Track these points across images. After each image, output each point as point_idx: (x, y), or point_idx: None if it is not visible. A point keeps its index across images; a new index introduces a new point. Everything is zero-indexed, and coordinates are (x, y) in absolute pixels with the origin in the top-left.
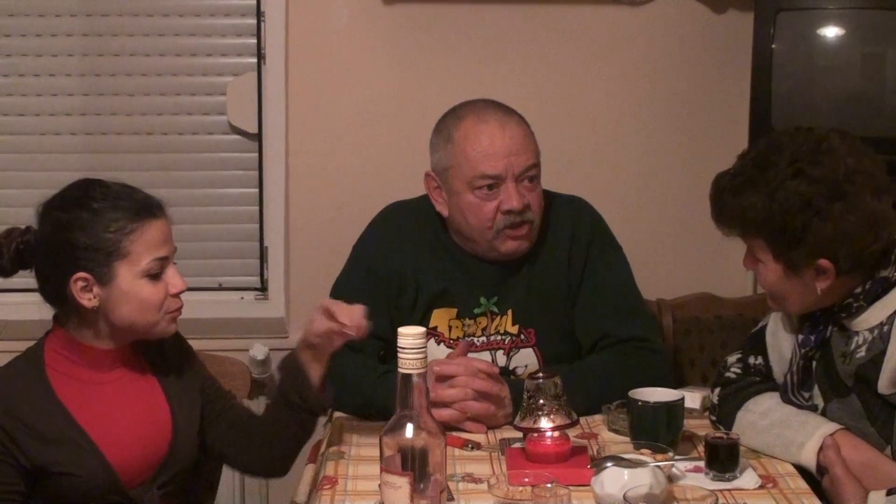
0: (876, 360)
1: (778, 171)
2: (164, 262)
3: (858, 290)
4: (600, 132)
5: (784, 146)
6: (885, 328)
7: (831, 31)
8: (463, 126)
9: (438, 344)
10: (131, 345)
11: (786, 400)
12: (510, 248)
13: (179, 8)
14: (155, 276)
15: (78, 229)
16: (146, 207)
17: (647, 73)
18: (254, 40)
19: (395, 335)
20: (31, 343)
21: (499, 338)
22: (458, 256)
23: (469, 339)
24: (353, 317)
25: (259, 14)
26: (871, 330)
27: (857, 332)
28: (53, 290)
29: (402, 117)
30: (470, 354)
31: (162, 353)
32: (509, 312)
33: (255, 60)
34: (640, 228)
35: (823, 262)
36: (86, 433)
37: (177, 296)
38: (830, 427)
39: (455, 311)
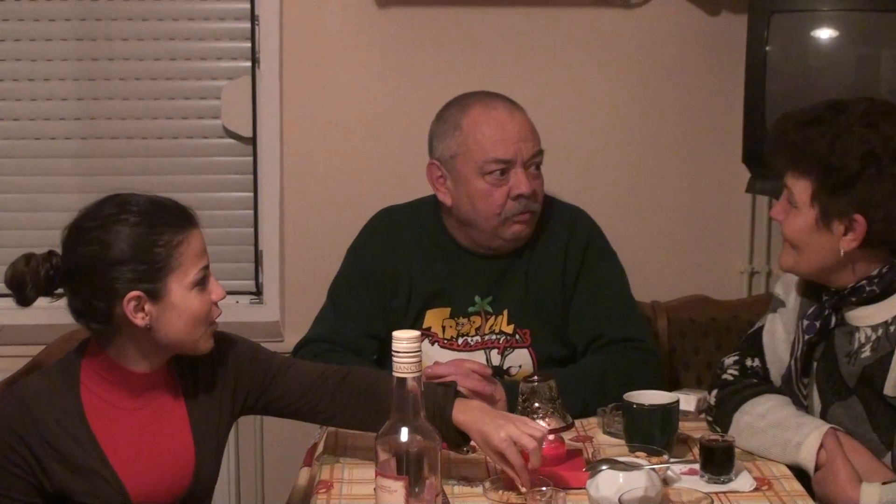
0: (883, 360)
1: (850, 116)
2: (207, 270)
3: (875, 272)
4: (594, 134)
5: (860, 100)
6: (892, 328)
7: (825, 34)
8: (471, 113)
9: (433, 344)
10: (168, 365)
11: (789, 392)
12: (515, 233)
13: (174, 12)
14: (202, 287)
15: (124, 247)
16: (186, 218)
17: (640, 76)
18: (248, 44)
19: (390, 336)
20: (31, 347)
21: (493, 337)
22: (454, 254)
23: (463, 339)
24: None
25: (253, 18)
26: (874, 328)
27: (858, 329)
28: (98, 312)
29: (396, 120)
30: (464, 354)
31: (194, 367)
32: (505, 312)
33: (249, 64)
34: (635, 230)
35: (859, 218)
36: (110, 465)
37: (216, 304)
38: (827, 427)
39: (449, 310)
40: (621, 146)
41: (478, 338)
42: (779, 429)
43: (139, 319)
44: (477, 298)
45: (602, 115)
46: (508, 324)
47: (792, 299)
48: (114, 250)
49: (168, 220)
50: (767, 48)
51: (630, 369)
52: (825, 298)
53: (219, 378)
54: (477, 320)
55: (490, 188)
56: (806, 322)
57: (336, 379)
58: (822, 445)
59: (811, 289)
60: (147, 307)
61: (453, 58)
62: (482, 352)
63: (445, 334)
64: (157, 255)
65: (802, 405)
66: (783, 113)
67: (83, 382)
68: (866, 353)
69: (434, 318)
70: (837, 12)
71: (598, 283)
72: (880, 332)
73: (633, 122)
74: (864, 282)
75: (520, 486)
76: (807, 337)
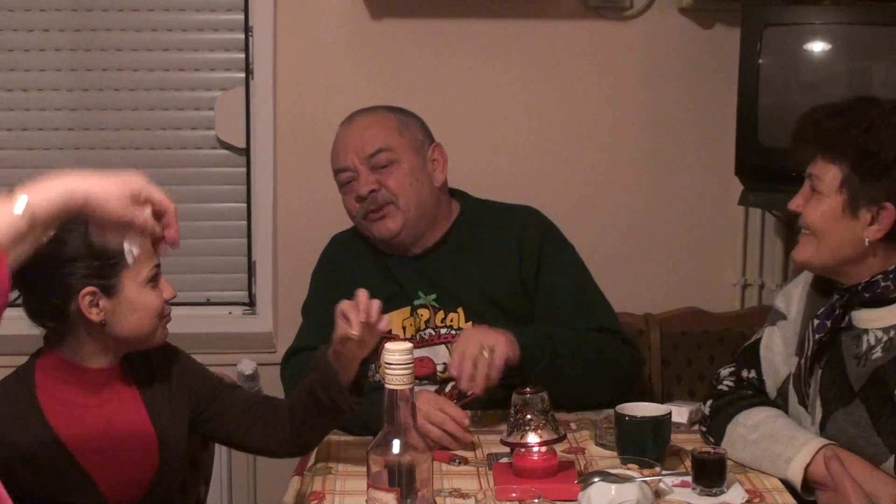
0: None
1: (884, 108)
2: (158, 268)
3: (892, 267)
4: (587, 146)
5: (890, 100)
6: None
7: (818, 46)
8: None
9: None
10: (121, 362)
11: (797, 387)
12: (380, 231)
13: (168, 23)
14: (154, 284)
15: (79, 244)
16: None
17: (634, 88)
18: (242, 55)
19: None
20: (18, 358)
21: (451, 332)
22: (388, 261)
23: (418, 334)
24: (369, 313)
25: (247, 29)
26: (885, 330)
27: (866, 331)
28: (54, 309)
29: None
30: (422, 350)
31: (148, 365)
32: (460, 310)
33: (243, 75)
34: (628, 242)
35: (889, 206)
36: (77, 461)
37: (167, 302)
38: (819, 442)
39: (408, 308)
40: (614, 158)
41: (430, 331)
42: (770, 441)
43: (94, 315)
44: (420, 293)
45: (595, 126)
46: (466, 321)
47: (794, 311)
48: (69, 247)
49: None
50: (760, 61)
51: (612, 355)
52: (836, 297)
53: (174, 377)
54: (425, 313)
55: (345, 196)
56: (816, 321)
57: (271, 407)
58: (810, 463)
59: (820, 291)
60: (102, 303)
61: (447, 69)
62: (442, 346)
63: (406, 333)
64: (111, 251)
65: (805, 407)
66: (812, 107)
67: (38, 385)
68: (878, 353)
69: (394, 320)
70: (830, 26)
71: (560, 279)
72: (892, 333)
73: (627, 133)
74: (879, 276)
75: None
76: (818, 336)
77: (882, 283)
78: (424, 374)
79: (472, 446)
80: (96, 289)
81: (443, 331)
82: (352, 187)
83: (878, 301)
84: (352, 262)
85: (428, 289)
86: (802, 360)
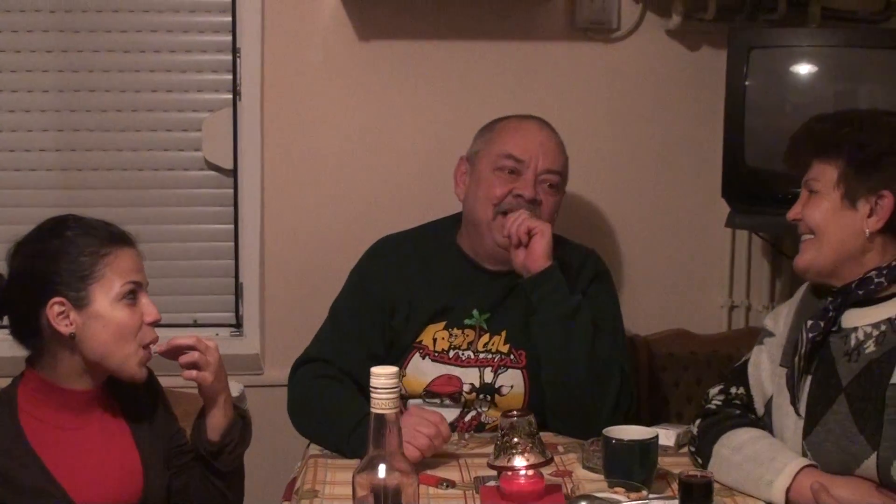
0: (890, 354)
1: (874, 113)
2: (137, 286)
3: (885, 264)
4: (574, 168)
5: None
6: None
7: (804, 69)
8: (506, 121)
9: (423, 358)
10: (105, 387)
11: (789, 386)
12: (502, 239)
13: (155, 44)
14: (130, 301)
15: (52, 256)
16: (119, 236)
17: (620, 110)
18: (229, 76)
19: (389, 355)
20: (4, 381)
21: (489, 356)
22: (460, 266)
23: (455, 352)
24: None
25: (235, 50)
26: (875, 325)
27: (855, 329)
28: (28, 322)
29: (377, 153)
30: (455, 369)
31: (135, 397)
32: (503, 333)
33: (230, 96)
34: (615, 265)
35: (887, 194)
36: (58, 483)
37: (152, 326)
38: (798, 464)
39: (444, 322)
40: (601, 180)
41: (470, 353)
42: (753, 464)
43: (63, 327)
44: (475, 312)
45: (581, 148)
46: (505, 343)
47: (782, 326)
48: (42, 259)
49: (99, 235)
50: (747, 83)
51: (615, 375)
52: (829, 300)
53: (159, 415)
54: (470, 334)
55: (496, 181)
56: (810, 322)
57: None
58: (791, 486)
59: (815, 296)
60: (72, 315)
61: (434, 91)
62: (476, 369)
63: (437, 346)
64: (81, 263)
65: (795, 409)
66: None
67: (20, 407)
68: (871, 347)
69: (428, 331)
70: (816, 48)
71: (595, 312)
72: (883, 327)
73: (613, 155)
74: (872, 272)
75: None
76: (811, 335)
77: (876, 280)
78: (449, 392)
79: (459, 467)
80: (65, 299)
81: (481, 355)
82: (512, 178)
83: (868, 300)
84: (402, 272)
85: (484, 307)
86: (795, 359)
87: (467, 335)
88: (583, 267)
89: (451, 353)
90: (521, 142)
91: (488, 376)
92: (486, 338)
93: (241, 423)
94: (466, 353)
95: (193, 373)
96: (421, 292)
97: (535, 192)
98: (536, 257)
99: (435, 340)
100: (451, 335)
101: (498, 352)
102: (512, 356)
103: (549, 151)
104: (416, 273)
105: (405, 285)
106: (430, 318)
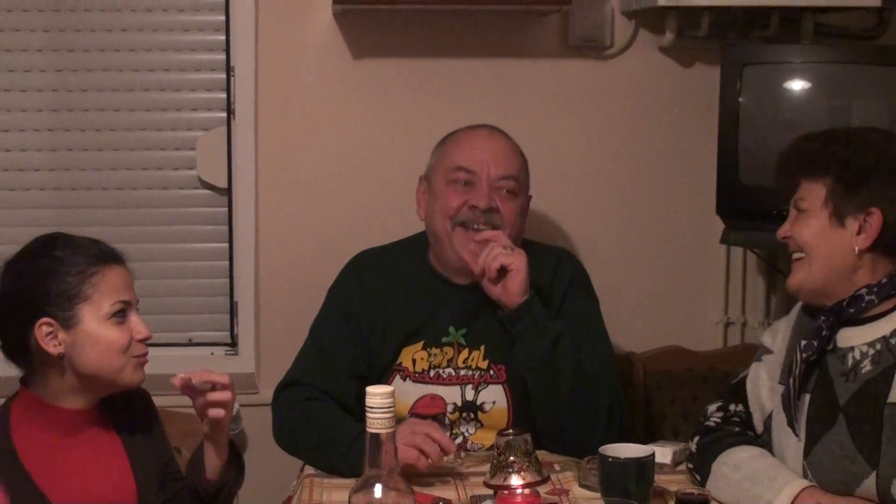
0: (887, 372)
1: (860, 130)
2: (126, 305)
3: (875, 282)
4: (568, 185)
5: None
6: (893, 341)
7: (797, 85)
8: (457, 133)
9: (404, 380)
10: (99, 405)
11: (785, 407)
12: (465, 250)
13: (149, 63)
14: (120, 320)
15: (39, 276)
16: (107, 254)
17: (614, 127)
18: (223, 95)
19: (370, 372)
20: None
21: (469, 372)
22: (432, 284)
23: (435, 371)
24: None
25: (229, 69)
26: (871, 344)
27: (851, 349)
28: (17, 342)
29: (372, 171)
30: (438, 388)
31: (130, 412)
32: (482, 348)
33: (224, 115)
34: (609, 281)
35: (875, 211)
36: (49, 501)
37: (142, 342)
38: (799, 485)
39: (421, 342)
40: (595, 197)
41: (450, 370)
42: (752, 482)
43: (52, 347)
44: (451, 329)
45: (575, 165)
46: (484, 359)
47: (779, 342)
48: (30, 279)
49: (87, 253)
50: (740, 100)
51: (606, 383)
52: (822, 318)
53: (154, 434)
54: (449, 351)
55: (451, 193)
56: (804, 342)
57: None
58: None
59: (809, 315)
60: (60, 335)
61: (429, 109)
62: (458, 387)
63: (416, 367)
64: (69, 283)
65: (793, 430)
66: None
67: (13, 426)
68: (867, 367)
69: (406, 353)
70: (809, 65)
71: (577, 323)
72: (879, 346)
73: (607, 172)
74: (863, 290)
75: None
76: (804, 355)
77: (867, 297)
78: (434, 413)
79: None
80: (53, 320)
81: (462, 371)
82: (466, 190)
83: (862, 319)
84: (377, 288)
85: (459, 323)
86: (791, 380)
87: (446, 353)
88: (556, 271)
89: (432, 373)
90: (471, 152)
91: (469, 394)
92: (465, 353)
93: (236, 463)
94: (447, 370)
95: (222, 412)
96: (395, 308)
97: (490, 200)
98: (512, 295)
99: (414, 361)
100: (430, 355)
101: (478, 368)
102: (491, 372)
103: (501, 158)
104: (391, 289)
105: (380, 301)
106: (406, 336)
